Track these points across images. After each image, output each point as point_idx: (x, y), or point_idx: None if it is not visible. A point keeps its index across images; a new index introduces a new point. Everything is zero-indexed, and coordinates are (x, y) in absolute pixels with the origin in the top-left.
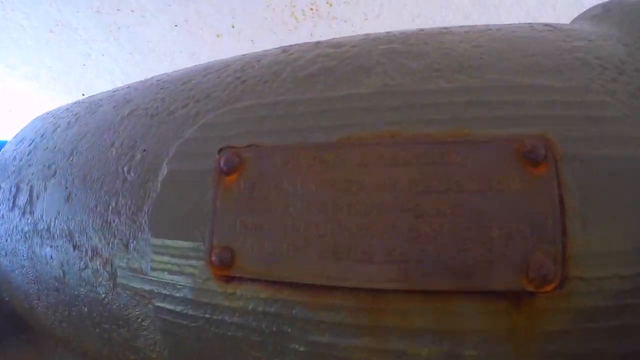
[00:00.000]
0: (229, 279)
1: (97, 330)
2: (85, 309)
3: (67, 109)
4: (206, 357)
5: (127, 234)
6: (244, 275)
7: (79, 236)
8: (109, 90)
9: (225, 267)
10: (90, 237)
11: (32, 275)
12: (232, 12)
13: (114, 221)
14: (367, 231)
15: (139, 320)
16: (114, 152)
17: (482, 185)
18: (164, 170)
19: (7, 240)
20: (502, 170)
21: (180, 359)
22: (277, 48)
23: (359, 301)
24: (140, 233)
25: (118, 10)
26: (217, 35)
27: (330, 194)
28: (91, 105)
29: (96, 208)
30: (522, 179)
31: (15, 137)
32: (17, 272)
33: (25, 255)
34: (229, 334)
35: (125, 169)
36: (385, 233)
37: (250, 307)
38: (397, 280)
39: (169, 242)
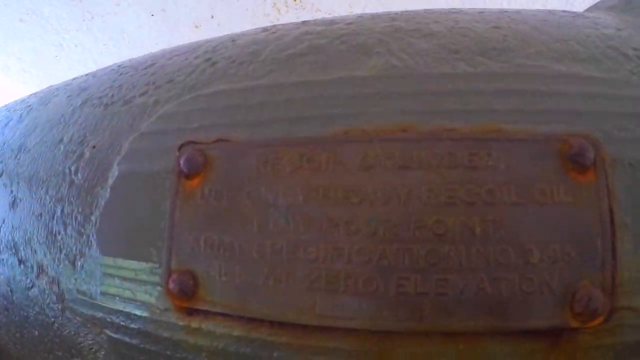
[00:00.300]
0: (191, 311)
1: (51, 356)
2: (36, 333)
3: (22, 100)
4: None
5: (74, 249)
6: (210, 308)
7: (23, 249)
8: (70, 79)
9: (185, 298)
10: (35, 251)
11: None
12: (211, 2)
13: (59, 233)
14: (371, 255)
15: (93, 350)
16: (61, 149)
17: (520, 196)
18: (114, 172)
19: None
20: (544, 177)
21: None
22: (258, 28)
23: (360, 345)
24: (87, 249)
25: None
26: (196, 26)
27: (323, 206)
28: (46, 96)
29: (41, 217)
30: (568, 188)
31: None
32: None
33: None
34: None
35: (72, 169)
36: (395, 258)
37: (220, 346)
38: (411, 319)
39: (120, 261)
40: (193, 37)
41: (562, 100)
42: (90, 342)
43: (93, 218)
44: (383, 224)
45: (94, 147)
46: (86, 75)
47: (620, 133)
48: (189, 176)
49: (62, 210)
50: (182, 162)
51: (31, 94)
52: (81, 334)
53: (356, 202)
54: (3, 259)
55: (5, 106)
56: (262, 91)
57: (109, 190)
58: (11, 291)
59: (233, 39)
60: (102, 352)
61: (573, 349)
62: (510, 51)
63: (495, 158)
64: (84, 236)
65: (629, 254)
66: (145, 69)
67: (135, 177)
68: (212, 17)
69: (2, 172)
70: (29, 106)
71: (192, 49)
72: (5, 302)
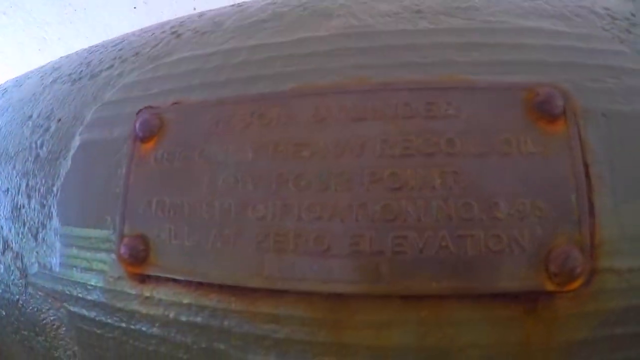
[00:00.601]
0: (143, 278)
1: (18, 336)
2: (3, 312)
3: None
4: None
5: (36, 221)
6: (160, 273)
7: None
8: (48, 62)
9: (137, 263)
10: (1, 227)
11: None
12: None
13: (23, 207)
14: (322, 212)
15: (55, 327)
16: (29, 125)
17: (482, 145)
18: (76, 142)
19: None
20: (509, 127)
21: None
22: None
23: (313, 311)
24: (48, 220)
25: None
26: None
27: (273, 162)
28: (21, 79)
29: (8, 192)
30: (535, 138)
31: None
32: None
33: None
34: (150, 349)
35: (39, 142)
36: (348, 214)
37: (171, 315)
38: (366, 281)
39: (77, 230)
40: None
41: (528, 52)
42: (52, 317)
43: (55, 189)
44: (335, 178)
45: (59, 120)
46: (60, 57)
47: (591, 84)
48: (143, 140)
49: (27, 184)
50: (137, 126)
51: (8, 80)
52: (43, 310)
53: (307, 156)
54: None
55: None
56: (220, 56)
57: (70, 160)
58: None
59: (202, 14)
60: (63, 329)
61: (551, 316)
62: (475, 9)
63: (455, 107)
64: (46, 207)
65: (609, 210)
66: (114, 45)
67: (95, 146)
68: (195, 8)
69: None
70: (5, 89)
71: (160, 25)
72: None
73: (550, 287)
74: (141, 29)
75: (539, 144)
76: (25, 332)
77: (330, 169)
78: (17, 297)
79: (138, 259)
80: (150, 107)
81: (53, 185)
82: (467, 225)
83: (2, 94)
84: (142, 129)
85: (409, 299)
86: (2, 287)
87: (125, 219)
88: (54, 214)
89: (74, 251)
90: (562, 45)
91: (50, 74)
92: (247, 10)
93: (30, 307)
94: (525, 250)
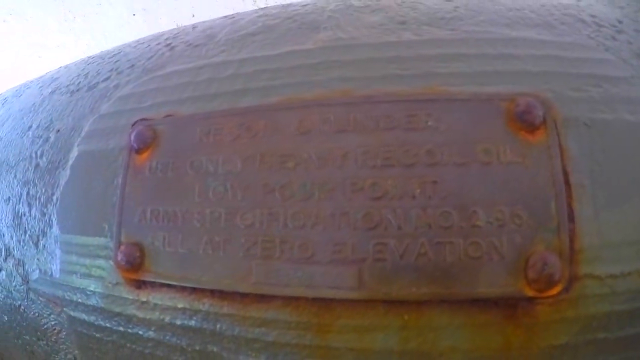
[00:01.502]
0: (139, 284)
1: (20, 341)
2: (5, 318)
3: None
4: None
5: (37, 229)
6: (155, 279)
7: None
8: (47, 72)
9: (133, 269)
10: (3, 235)
11: None
12: (192, 0)
13: (24, 215)
14: (306, 220)
15: (55, 331)
16: (29, 135)
17: (462, 155)
18: (74, 153)
19: None
20: (489, 137)
21: None
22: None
23: (299, 315)
24: (49, 228)
25: None
26: (177, 25)
27: (260, 172)
28: (20, 89)
29: (9, 200)
30: (515, 147)
31: None
32: None
33: None
34: (147, 352)
35: (38, 152)
36: (330, 222)
37: (166, 319)
38: (349, 287)
39: (77, 238)
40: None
41: (510, 62)
42: (52, 322)
43: (54, 198)
44: (318, 188)
45: (58, 131)
46: (60, 67)
47: (573, 93)
48: (138, 151)
49: (28, 193)
50: (132, 137)
51: (8, 89)
52: (44, 315)
53: (291, 167)
54: None
55: None
56: (211, 69)
57: (69, 170)
58: None
59: (195, 25)
60: (64, 333)
61: (531, 322)
62: (459, 20)
63: (435, 119)
64: (46, 216)
65: (589, 218)
66: (111, 57)
67: (93, 156)
68: (193, 16)
69: None
70: (5, 99)
71: (155, 37)
72: None
73: (529, 292)
74: (137, 40)
75: (518, 153)
76: (27, 337)
77: (313, 179)
78: (19, 302)
79: (134, 266)
80: (144, 119)
81: (53, 194)
82: (446, 233)
83: (2, 104)
84: (136, 140)
85: (391, 304)
86: (5, 293)
87: (122, 227)
88: (54, 222)
89: (74, 258)
90: (546, 55)
91: (49, 84)
92: (239, 22)
93: (32, 312)
94: (504, 257)
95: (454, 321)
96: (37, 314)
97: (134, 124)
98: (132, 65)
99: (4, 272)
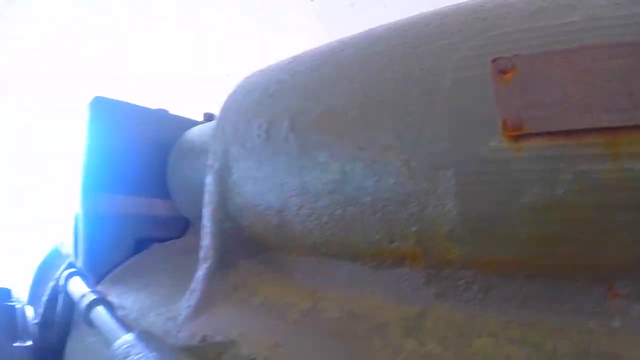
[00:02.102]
0: (518, 138)
1: (378, 215)
2: (368, 199)
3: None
4: (492, 201)
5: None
6: (530, 131)
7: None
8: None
9: (516, 129)
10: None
11: (296, 189)
12: None
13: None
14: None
15: (432, 190)
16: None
17: None
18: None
19: (258, 168)
20: None
21: (469, 213)
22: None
23: (604, 137)
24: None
25: None
26: (351, 5)
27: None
28: (333, 50)
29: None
30: None
31: (237, 91)
32: (271, 192)
33: (285, 172)
34: (513, 176)
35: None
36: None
37: (534, 154)
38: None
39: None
40: (349, 15)
41: None
42: (432, 184)
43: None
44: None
45: (421, 69)
46: (349, 39)
47: None
48: (504, 72)
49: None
50: (497, 66)
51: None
52: (422, 181)
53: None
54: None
55: (262, 71)
56: (539, 26)
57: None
58: (345, 174)
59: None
60: (440, 188)
61: None
62: None
63: None
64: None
65: None
66: (433, 26)
67: (470, 78)
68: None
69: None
70: (324, 59)
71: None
72: (333, 187)
73: None
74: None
75: None
76: (391, 207)
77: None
78: (393, 181)
79: (517, 128)
80: (501, 58)
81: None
82: None
83: (324, 63)
84: (500, 67)
85: None
86: (376, 178)
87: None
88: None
89: None
90: None
91: (378, 42)
92: (519, 5)
93: (409, 183)
94: None
95: None
96: (414, 183)
97: (495, 60)
98: (462, 30)
99: (379, 163)
